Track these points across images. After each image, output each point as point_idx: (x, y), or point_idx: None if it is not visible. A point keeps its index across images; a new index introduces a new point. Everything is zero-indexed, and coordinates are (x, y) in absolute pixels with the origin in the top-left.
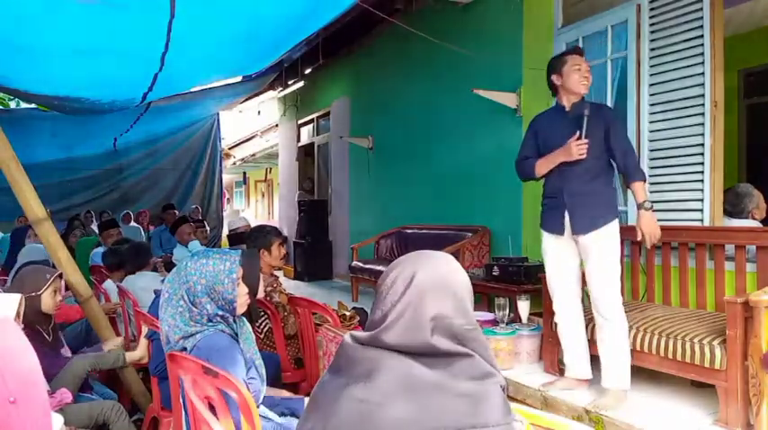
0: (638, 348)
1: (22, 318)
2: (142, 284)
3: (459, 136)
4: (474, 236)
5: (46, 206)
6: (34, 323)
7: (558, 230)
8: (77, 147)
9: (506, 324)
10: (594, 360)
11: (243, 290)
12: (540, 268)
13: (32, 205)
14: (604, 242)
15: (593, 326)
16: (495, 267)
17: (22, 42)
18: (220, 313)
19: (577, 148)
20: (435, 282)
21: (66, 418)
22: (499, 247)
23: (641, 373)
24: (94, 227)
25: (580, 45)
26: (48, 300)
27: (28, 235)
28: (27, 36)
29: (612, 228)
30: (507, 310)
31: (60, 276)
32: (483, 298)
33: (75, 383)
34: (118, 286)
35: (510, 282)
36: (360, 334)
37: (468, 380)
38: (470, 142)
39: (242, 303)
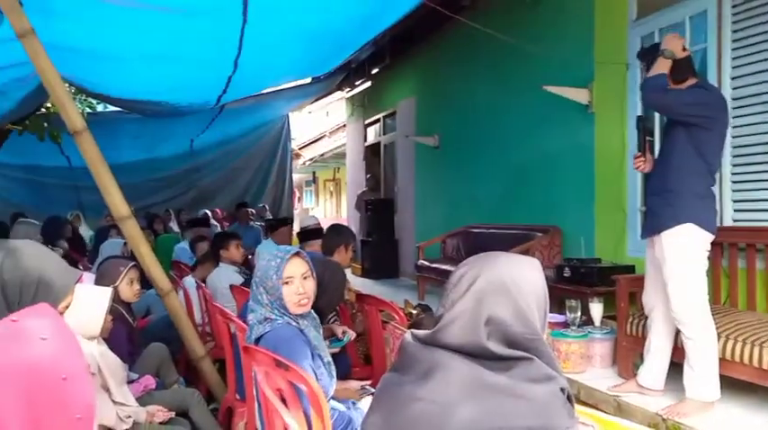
0: (721, 356)
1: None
2: (224, 278)
3: (528, 133)
4: (544, 236)
5: (129, 204)
6: (119, 312)
7: (641, 233)
8: (158, 148)
9: (578, 326)
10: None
11: (293, 289)
12: (614, 270)
13: (117, 204)
14: (669, 247)
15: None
16: (567, 268)
17: (108, 51)
18: (276, 306)
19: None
20: (498, 286)
21: (150, 402)
22: (571, 248)
23: (726, 383)
24: (173, 224)
25: (656, 38)
26: (126, 290)
27: (110, 233)
28: (112, 45)
29: (680, 231)
30: (579, 313)
31: (135, 266)
32: (554, 300)
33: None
34: (196, 281)
35: (582, 283)
36: (420, 332)
37: (528, 383)
38: (540, 139)
39: (294, 302)
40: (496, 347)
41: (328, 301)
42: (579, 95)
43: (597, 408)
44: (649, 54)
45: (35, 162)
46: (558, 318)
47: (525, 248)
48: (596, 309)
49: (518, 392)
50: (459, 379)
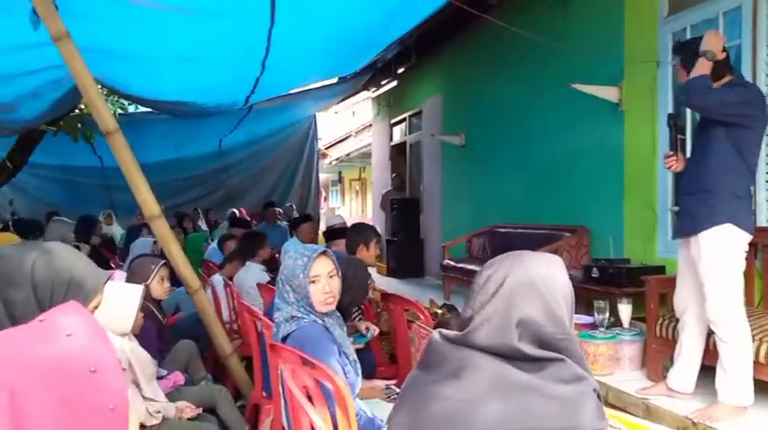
0: (755, 359)
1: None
2: (251, 277)
3: (556, 132)
4: (572, 236)
5: (159, 203)
6: (149, 309)
7: (674, 233)
8: (186, 148)
9: (606, 328)
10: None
11: (319, 288)
12: (644, 271)
13: (148, 203)
14: (707, 248)
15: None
16: (595, 269)
17: (139, 53)
18: (303, 304)
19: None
20: (526, 287)
21: (179, 399)
22: (599, 248)
23: (759, 387)
24: (202, 223)
25: (688, 35)
26: (157, 288)
27: (142, 232)
28: (143, 47)
29: (718, 232)
30: (607, 314)
31: (165, 265)
32: (581, 300)
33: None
34: (224, 280)
35: (610, 284)
36: (449, 332)
37: (559, 383)
38: (568, 138)
39: (321, 301)
40: (528, 348)
41: (351, 299)
42: (608, 93)
43: (626, 411)
44: (686, 48)
45: (69, 162)
46: (586, 319)
47: (553, 248)
48: (625, 311)
49: (550, 392)
50: (489, 378)
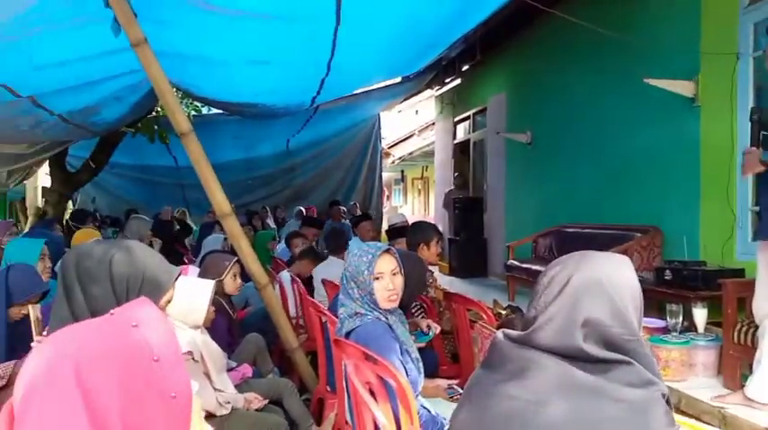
0: None
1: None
2: (333, 271)
3: (627, 128)
4: (643, 236)
5: (230, 202)
6: (220, 304)
7: (755, 234)
8: (256, 149)
9: (679, 332)
10: None
11: (383, 285)
12: (721, 273)
13: (219, 201)
14: None
15: None
16: (668, 271)
17: (211, 56)
18: (366, 301)
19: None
20: (592, 286)
21: (247, 390)
22: (672, 250)
23: None
24: (270, 221)
25: None
26: (230, 284)
27: (214, 229)
28: (215, 51)
29: None
30: (680, 318)
31: (238, 261)
32: (653, 304)
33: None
34: (291, 276)
35: (684, 287)
36: (512, 332)
37: (627, 386)
38: (640, 135)
39: (384, 297)
40: (593, 349)
41: (410, 294)
42: (684, 88)
43: (699, 420)
44: None
45: (146, 162)
46: (658, 323)
47: (623, 249)
48: (700, 315)
49: (618, 395)
50: (554, 378)
